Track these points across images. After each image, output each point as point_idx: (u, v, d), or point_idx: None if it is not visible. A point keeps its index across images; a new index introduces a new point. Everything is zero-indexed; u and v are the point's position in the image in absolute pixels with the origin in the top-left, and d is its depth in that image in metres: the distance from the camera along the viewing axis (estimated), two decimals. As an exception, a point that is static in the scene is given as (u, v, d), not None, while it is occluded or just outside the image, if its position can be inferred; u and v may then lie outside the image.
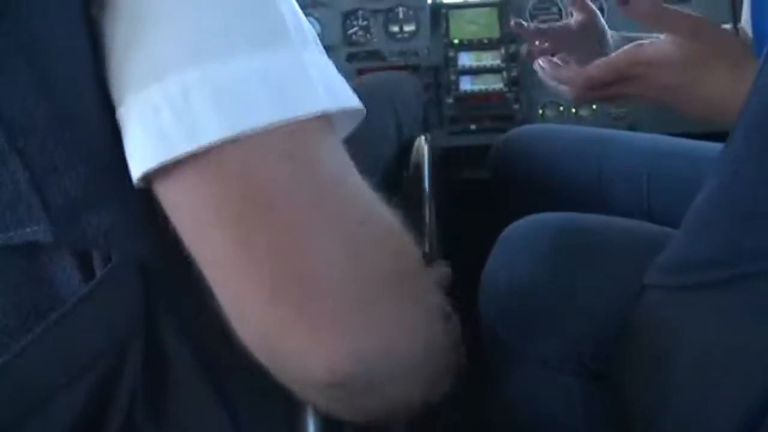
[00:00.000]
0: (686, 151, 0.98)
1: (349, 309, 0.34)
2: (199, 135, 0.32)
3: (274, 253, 0.33)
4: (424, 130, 1.22)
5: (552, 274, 0.66)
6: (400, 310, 0.36)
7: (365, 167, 0.37)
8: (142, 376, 0.37)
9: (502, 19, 1.47)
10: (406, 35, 1.51)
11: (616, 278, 0.64)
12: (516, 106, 1.44)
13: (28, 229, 0.33)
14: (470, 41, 1.47)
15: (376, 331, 0.34)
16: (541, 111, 1.44)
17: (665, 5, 0.67)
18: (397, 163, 1.13)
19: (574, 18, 0.87)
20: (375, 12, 1.52)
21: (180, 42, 0.33)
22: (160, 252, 0.37)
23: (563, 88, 0.70)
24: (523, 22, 0.90)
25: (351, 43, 1.51)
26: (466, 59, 1.47)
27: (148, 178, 0.34)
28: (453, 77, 1.46)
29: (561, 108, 1.46)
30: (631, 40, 0.81)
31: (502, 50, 1.46)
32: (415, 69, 1.49)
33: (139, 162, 0.34)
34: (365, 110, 0.39)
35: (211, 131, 0.32)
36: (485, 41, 1.47)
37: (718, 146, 0.70)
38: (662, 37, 0.66)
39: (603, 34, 0.87)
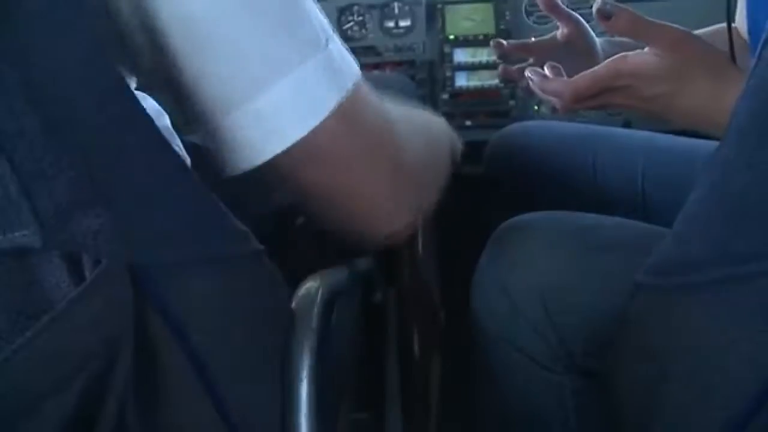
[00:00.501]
0: (681, 148, 0.98)
1: (414, 198, 0.55)
2: (294, 129, 0.44)
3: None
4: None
5: (542, 273, 0.66)
6: (438, 182, 0.63)
7: None
8: (134, 377, 0.37)
9: (498, 15, 1.46)
10: (401, 30, 1.50)
11: (607, 277, 0.64)
12: (512, 102, 1.43)
13: (17, 234, 0.33)
14: (466, 37, 1.46)
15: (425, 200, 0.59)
16: (536, 107, 1.43)
17: (648, 19, 0.67)
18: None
19: (560, 31, 0.86)
20: (370, 7, 1.51)
21: (257, 67, 0.43)
22: (149, 253, 0.37)
23: (551, 99, 0.71)
24: (503, 42, 0.89)
25: (346, 39, 1.50)
26: (461, 55, 1.46)
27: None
28: (448, 73, 1.45)
29: (556, 104, 1.45)
30: (619, 44, 0.81)
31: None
32: (410, 64, 1.48)
33: (255, 154, 0.45)
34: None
35: (324, 107, 0.45)
36: (481, 37, 1.46)
37: (712, 143, 0.70)
38: (646, 48, 0.67)
39: (592, 44, 0.86)
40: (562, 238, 0.68)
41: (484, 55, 1.45)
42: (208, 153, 0.47)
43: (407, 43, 1.50)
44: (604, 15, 0.67)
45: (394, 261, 0.97)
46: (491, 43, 0.90)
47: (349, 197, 0.50)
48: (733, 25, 0.83)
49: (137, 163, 0.38)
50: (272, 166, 0.46)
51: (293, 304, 0.53)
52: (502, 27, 1.46)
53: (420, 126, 0.64)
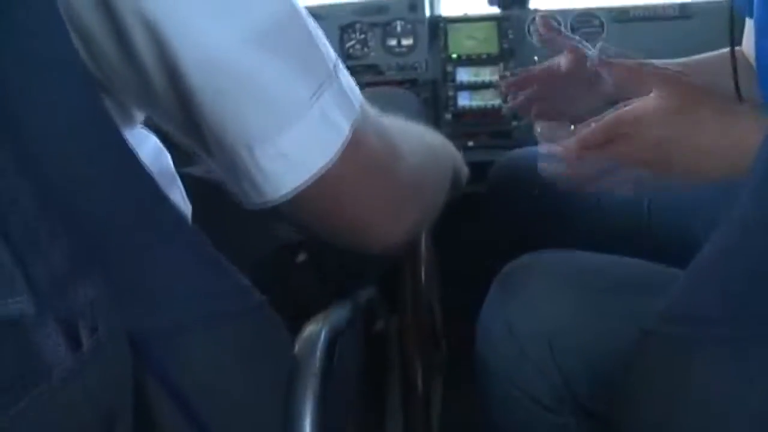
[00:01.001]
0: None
1: (412, 214, 0.56)
2: (316, 159, 0.45)
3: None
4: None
5: (549, 316, 0.66)
6: (437, 199, 0.63)
7: None
8: None
9: (501, 34, 1.46)
10: (403, 49, 1.50)
11: (613, 320, 0.64)
12: (514, 123, 1.43)
13: (10, 300, 0.32)
14: (469, 56, 1.46)
15: (424, 216, 0.60)
16: (538, 129, 1.42)
17: (643, 66, 0.67)
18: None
19: (562, 61, 0.86)
20: (372, 25, 1.50)
21: (280, 105, 0.44)
22: (148, 318, 0.36)
23: (559, 149, 0.70)
24: (507, 74, 0.89)
25: (348, 57, 1.50)
26: (464, 74, 1.45)
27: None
28: (451, 92, 1.45)
29: (559, 125, 1.44)
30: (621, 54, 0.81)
31: (501, 65, 1.43)
32: (412, 83, 1.47)
33: (280, 186, 0.45)
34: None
35: (341, 133, 0.46)
36: (484, 56, 1.45)
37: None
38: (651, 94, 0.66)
39: (595, 75, 0.85)
40: (569, 279, 0.68)
41: (486, 74, 1.44)
42: (223, 185, 0.47)
43: (410, 62, 1.49)
44: (602, 65, 0.68)
45: (396, 287, 0.96)
46: (494, 82, 0.90)
47: (349, 213, 0.50)
48: (738, 48, 0.83)
49: (133, 223, 0.37)
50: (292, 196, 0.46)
51: (296, 349, 0.53)
52: (505, 46, 1.45)
53: (417, 139, 0.64)
